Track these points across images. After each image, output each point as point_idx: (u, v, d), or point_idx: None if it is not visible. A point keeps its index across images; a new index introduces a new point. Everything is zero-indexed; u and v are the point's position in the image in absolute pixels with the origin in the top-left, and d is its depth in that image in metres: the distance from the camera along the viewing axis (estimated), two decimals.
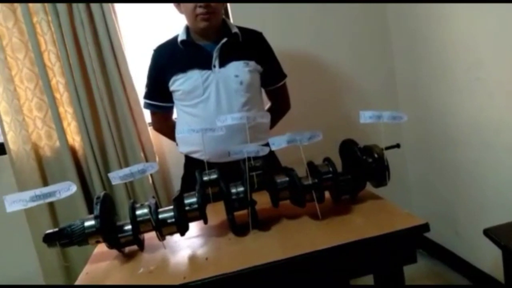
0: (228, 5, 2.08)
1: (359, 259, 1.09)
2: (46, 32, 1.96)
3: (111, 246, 1.12)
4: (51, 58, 1.99)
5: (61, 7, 1.91)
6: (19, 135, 2.00)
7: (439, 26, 1.92)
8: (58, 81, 2.01)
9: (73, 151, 2.07)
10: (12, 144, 2.01)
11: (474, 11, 1.69)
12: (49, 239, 1.10)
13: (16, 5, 1.94)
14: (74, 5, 1.94)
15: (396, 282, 1.14)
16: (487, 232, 1.28)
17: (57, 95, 2.03)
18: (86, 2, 1.93)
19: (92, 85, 2.02)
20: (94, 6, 1.94)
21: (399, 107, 2.37)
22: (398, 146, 1.33)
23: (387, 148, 1.27)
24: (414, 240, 1.12)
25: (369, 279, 1.21)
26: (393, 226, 1.08)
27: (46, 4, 1.93)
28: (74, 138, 2.08)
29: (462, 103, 1.89)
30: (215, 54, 1.54)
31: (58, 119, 2.00)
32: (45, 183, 2.06)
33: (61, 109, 2.04)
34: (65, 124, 2.05)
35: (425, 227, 1.07)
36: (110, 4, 1.96)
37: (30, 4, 1.93)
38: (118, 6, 2.05)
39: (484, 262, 1.98)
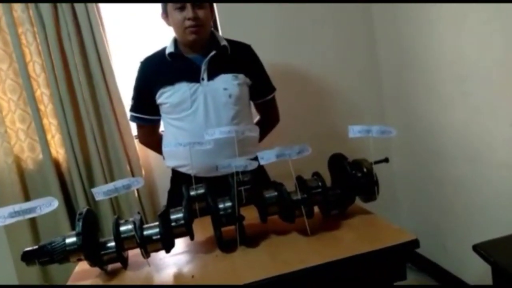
0: (217, 17, 2.08)
1: (349, 276, 1.07)
2: (31, 43, 1.92)
3: (93, 264, 1.08)
4: (36, 69, 1.95)
5: (47, 18, 1.89)
6: (1, 147, 1.95)
7: (425, 41, 1.94)
8: (42, 92, 1.98)
9: (56, 164, 2.02)
10: None
11: (459, 26, 1.71)
12: (28, 258, 1.05)
13: (0, 15, 1.90)
14: (61, 15, 1.91)
15: None
16: (476, 248, 1.27)
17: (41, 107, 1.99)
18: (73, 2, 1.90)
19: (78, 97, 1.99)
20: (81, 16, 1.91)
21: (386, 121, 2.38)
22: (387, 160, 1.32)
23: (376, 162, 1.27)
24: (404, 256, 1.11)
25: None
26: (383, 242, 1.07)
27: (31, 15, 1.90)
28: (58, 150, 2.04)
29: (447, 118, 1.91)
30: (203, 67, 1.52)
31: (41, 131, 1.95)
32: (27, 197, 2.00)
33: (45, 121, 1.99)
34: (49, 136, 2.01)
35: (415, 243, 1.06)
36: (97, 15, 1.94)
37: (15, 15, 1.90)
38: (105, 17, 2.03)
39: (472, 276, 1.98)
